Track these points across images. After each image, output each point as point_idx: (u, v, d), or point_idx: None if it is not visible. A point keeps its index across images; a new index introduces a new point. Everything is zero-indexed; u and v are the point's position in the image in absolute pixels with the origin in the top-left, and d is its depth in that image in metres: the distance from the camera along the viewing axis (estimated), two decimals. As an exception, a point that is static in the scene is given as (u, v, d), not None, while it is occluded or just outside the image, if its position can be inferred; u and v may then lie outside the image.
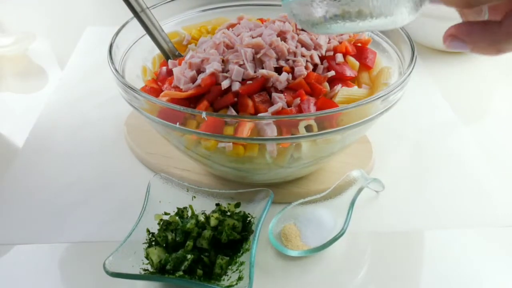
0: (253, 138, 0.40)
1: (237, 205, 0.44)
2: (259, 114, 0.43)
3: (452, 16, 0.78)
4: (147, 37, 0.51)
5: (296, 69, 0.45)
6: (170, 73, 0.49)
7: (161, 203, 0.45)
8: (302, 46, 0.47)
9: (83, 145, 0.57)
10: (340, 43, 0.50)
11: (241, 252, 0.41)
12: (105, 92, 0.66)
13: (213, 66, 0.45)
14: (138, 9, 0.49)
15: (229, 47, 0.47)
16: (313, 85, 0.45)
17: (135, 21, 0.50)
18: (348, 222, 0.44)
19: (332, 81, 0.47)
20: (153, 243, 0.42)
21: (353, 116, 0.41)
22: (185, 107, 0.41)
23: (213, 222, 0.42)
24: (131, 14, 0.49)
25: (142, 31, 0.51)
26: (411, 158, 0.56)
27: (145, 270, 0.39)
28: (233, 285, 0.37)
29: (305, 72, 0.45)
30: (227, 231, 0.41)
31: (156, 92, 0.47)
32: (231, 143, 0.42)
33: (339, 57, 0.48)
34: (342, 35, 0.51)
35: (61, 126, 0.61)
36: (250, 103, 0.44)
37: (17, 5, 0.95)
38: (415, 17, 0.35)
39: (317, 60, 0.47)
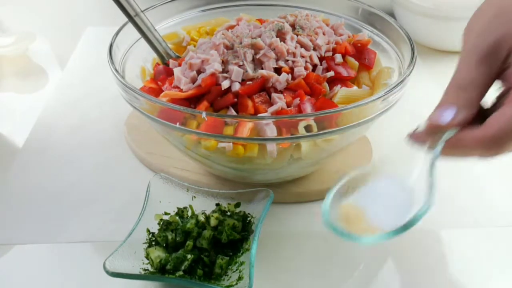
0: (253, 138, 0.40)
1: (237, 205, 0.45)
2: (259, 115, 0.43)
3: (452, 16, 0.78)
4: (147, 38, 0.51)
5: (295, 69, 0.45)
6: (169, 73, 0.49)
7: (161, 203, 0.45)
8: (301, 47, 0.47)
9: (83, 145, 0.58)
10: (338, 44, 0.50)
11: (241, 252, 0.41)
12: (105, 92, 0.66)
13: (213, 66, 0.45)
14: (132, 13, 0.49)
15: (228, 48, 0.47)
16: (313, 85, 0.45)
17: (135, 22, 0.50)
18: (433, 188, 0.34)
19: (332, 82, 0.48)
20: (153, 243, 0.42)
21: (353, 116, 0.41)
22: (185, 107, 0.41)
23: (213, 222, 0.42)
24: (131, 14, 0.49)
25: (142, 31, 0.51)
26: (411, 158, 0.56)
27: (145, 270, 0.39)
28: (233, 285, 0.37)
29: (304, 73, 0.45)
30: (227, 231, 0.41)
31: (155, 92, 0.47)
32: (231, 143, 0.42)
33: (338, 58, 0.48)
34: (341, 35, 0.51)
35: (61, 126, 0.61)
36: (250, 103, 0.44)
37: (17, 5, 0.95)
38: None
39: (316, 61, 0.47)
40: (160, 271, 0.39)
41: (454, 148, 0.35)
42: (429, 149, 0.36)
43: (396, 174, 0.37)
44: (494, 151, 0.33)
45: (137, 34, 0.52)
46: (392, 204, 0.36)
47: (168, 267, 0.39)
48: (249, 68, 0.45)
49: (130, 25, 0.51)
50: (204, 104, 0.44)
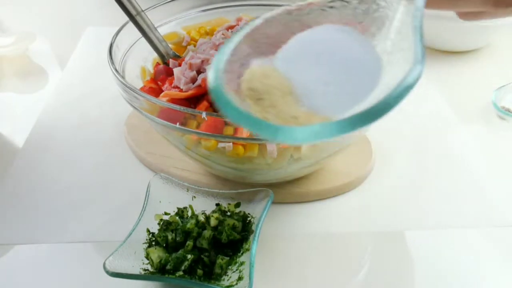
0: (253, 138, 0.40)
1: (237, 205, 0.45)
2: (259, 114, 0.43)
3: (453, 16, 0.77)
4: (147, 38, 0.51)
5: (296, 69, 0.45)
6: (169, 73, 0.49)
7: (161, 203, 0.45)
8: (302, 46, 0.47)
9: (83, 145, 0.58)
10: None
11: (241, 252, 0.41)
12: (105, 92, 0.66)
13: (213, 66, 0.45)
14: (133, 12, 0.49)
15: (229, 47, 0.47)
16: (313, 85, 0.45)
17: (135, 21, 0.50)
18: (420, 42, 0.21)
19: (332, 81, 0.48)
20: (153, 243, 0.42)
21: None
22: (185, 107, 0.41)
23: (213, 222, 0.42)
24: (131, 14, 0.49)
25: (142, 31, 0.51)
26: (411, 158, 0.56)
27: (145, 270, 0.39)
28: (233, 285, 0.37)
29: (305, 72, 0.45)
30: (227, 231, 0.41)
31: (155, 92, 0.47)
32: (231, 143, 0.42)
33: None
34: None
35: (61, 126, 0.61)
36: (250, 103, 0.44)
37: (17, 5, 0.95)
38: None
39: (317, 60, 0.47)
40: (160, 271, 0.39)
41: None
42: None
43: (348, 23, 0.22)
44: None
45: (137, 34, 0.52)
46: (344, 73, 0.20)
47: (168, 267, 0.39)
48: (249, 68, 0.45)
49: (130, 25, 0.51)
50: (204, 104, 0.44)
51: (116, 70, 0.45)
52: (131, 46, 0.52)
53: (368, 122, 0.19)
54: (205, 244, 0.40)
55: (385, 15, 0.22)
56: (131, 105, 0.44)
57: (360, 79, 0.20)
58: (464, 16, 0.26)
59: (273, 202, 0.44)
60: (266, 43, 0.21)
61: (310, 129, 0.18)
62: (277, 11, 0.21)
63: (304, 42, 0.21)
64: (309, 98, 0.20)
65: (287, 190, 0.49)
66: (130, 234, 0.41)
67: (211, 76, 0.18)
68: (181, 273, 0.39)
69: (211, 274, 0.39)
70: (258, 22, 0.21)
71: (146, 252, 0.40)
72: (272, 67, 0.21)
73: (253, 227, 0.42)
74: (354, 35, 0.22)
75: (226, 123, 0.40)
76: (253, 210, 0.44)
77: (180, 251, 0.40)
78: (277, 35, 0.21)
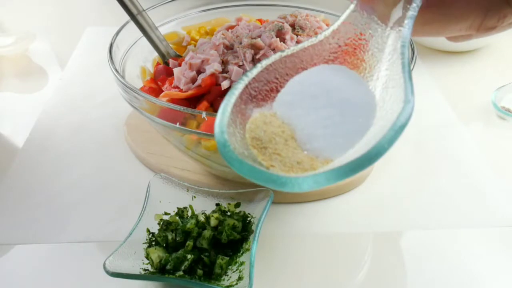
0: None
1: (237, 205, 0.45)
2: (259, 114, 0.43)
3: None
4: (147, 37, 0.51)
5: (296, 69, 0.45)
6: (169, 73, 0.49)
7: (161, 203, 0.45)
8: (302, 47, 0.47)
9: (83, 145, 0.58)
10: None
11: (241, 252, 0.41)
12: (105, 92, 0.66)
13: (213, 66, 0.45)
14: (134, 11, 0.49)
15: (228, 48, 0.47)
16: (313, 85, 0.45)
17: (135, 21, 0.50)
18: (408, 78, 0.21)
19: (332, 81, 0.47)
20: (153, 243, 0.42)
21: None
22: (185, 107, 0.41)
23: (213, 222, 0.42)
24: (131, 14, 0.49)
25: (142, 31, 0.51)
26: (411, 158, 0.56)
27: (145, 270, 0.39)
28: (233, 285, 0.37)
29: (305, 72, 0.45)
30: (227, 231, 0.41)
31: (155, 92, 0.47)
32: (231, 143, 0.42)
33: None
34: None
35: (61, 126, 0.61)
36: (250, 103, 0.44)
37: (17, 5, 0.95)
38: None
39: (317, 60, 0.47)
40: (160, 271, 0.39)
41: (436, 14, 0.22)
42: (392, 22, 0.21)
43: (341, 62, 0.23)
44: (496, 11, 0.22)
45: (137, 34, 0.52)
46: (340, 114, 0.21)
47: (168, 267, 0.39)
48: (249, 68, 0.45)
49: (130, 25, 0.51)
50: (204, 104, 0.44)
51: (116, 70, 0.45)
52: (131, 46, 0.52)
53: (365, 166, 0.20)
54: (205, 244, 0.40)
55: (375, 54, 0.23)
56: (131, 105, 0.44)
57: (356, 118, 0.21)
58: (453, 39, 0.28)
59: (273, 202, 0.44)
60: (265, 89, 0.22)
61: (313, 178, 0.19)
62: (272, 58, 0.22)
63: (300, 85, 0.22)
64: (309, 141, 0.21)
65: (287, 190, 0.49)
66: (130, 234, 0.41)
67: (216, 132, 0.19)
68: (181, 273, 0.39)
69: (211, 274, 0.39)
70: (255, 71, 0.22)
71: (146, 252, 0.40)
72: (272, 112, 0.22)
73: (253, 227, 0.42)
74: (348, 73, 0.23)
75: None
76: (253, 210, 0.44)
77: (180, 251, 0.40)
78: (274, 80, 0.22)
